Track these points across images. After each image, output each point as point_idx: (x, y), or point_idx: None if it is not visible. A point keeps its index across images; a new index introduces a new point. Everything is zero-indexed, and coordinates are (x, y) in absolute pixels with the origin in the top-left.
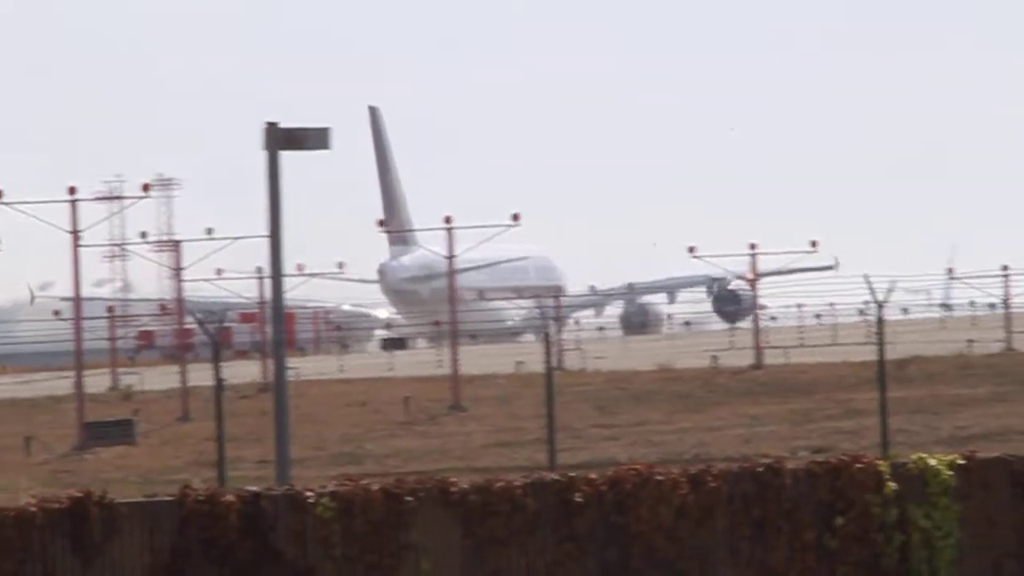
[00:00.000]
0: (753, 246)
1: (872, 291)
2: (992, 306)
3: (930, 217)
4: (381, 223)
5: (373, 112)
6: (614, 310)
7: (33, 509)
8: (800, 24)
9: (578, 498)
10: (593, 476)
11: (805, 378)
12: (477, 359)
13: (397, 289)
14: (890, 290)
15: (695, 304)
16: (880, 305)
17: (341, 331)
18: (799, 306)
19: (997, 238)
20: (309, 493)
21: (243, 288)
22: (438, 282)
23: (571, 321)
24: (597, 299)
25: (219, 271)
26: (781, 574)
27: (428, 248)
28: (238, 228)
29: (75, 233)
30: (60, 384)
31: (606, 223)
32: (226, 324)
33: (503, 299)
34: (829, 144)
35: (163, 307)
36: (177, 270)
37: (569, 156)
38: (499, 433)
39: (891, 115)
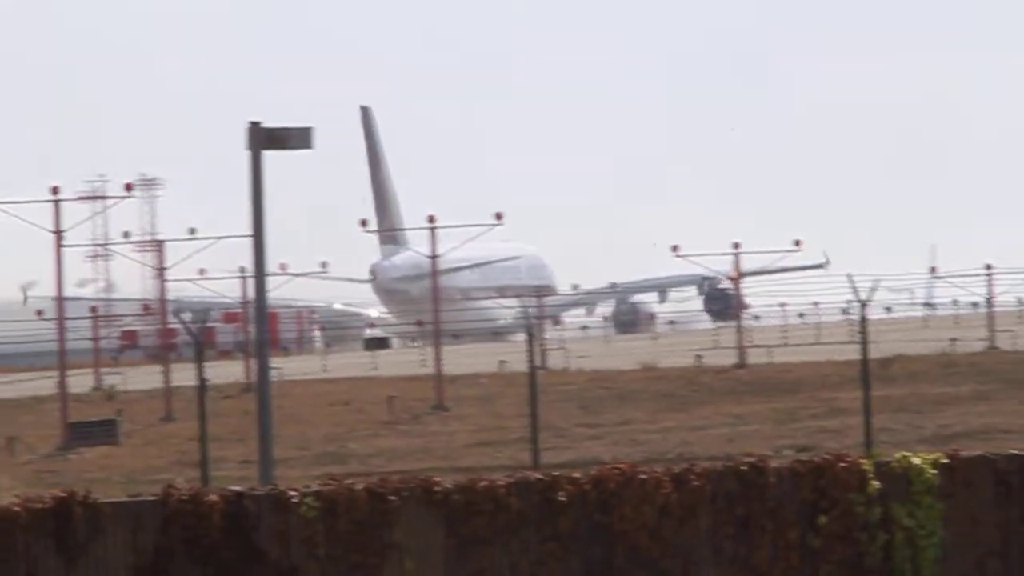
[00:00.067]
0: (736, 245)
1: (855, 290)
2: (975, 305)
3: (913, 216)
4: (363, 223)
5: (364, 112)
6: (604, 309)
7: (17, 509)
8: (791, 24)
9: (561, 497)
10: (576, 475)
11: (789, 377)
12: (462, 358)
13: (388, 289)
14: (873, 289)
15: (687, 304)
16: (863, 304)
17: (325, 330)
18: (782, 305)
19: (980, 237)
20: (293, 493)
21: (226, 288)
22: (429, 282)
23: (562, 320)
24: (588, 298)
25: (202, 271)
26: (764, 573)
27: (415, 249)
28: (223, 228)
29: (58, 233)
30: (43, 384)
31: (598, 223)
32: (209, 324)
33: (490, 298)
34: (812, 144)
35: (146, 307)
36: (160, 270)
37: (562, 155)
38: (482, 432)
39: (873, 115)
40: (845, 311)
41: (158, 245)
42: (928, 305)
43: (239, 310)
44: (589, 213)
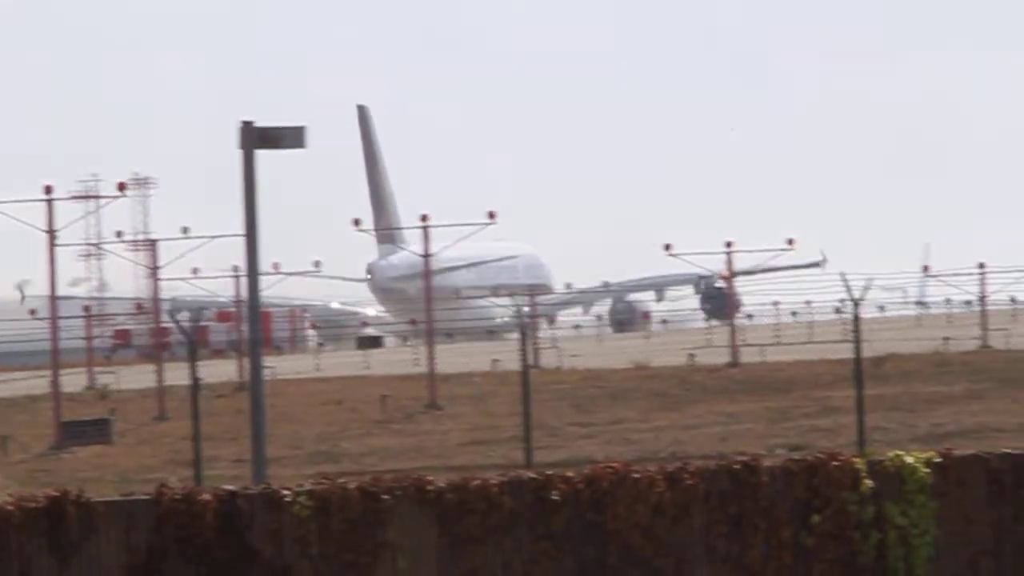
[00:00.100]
0: (729, 244)
1: (848, 289)
2: (968, 303)
3: (908, 215)
4: (356, 222)
5: (361, 111)
6: (600, 308)
7: (10, 508)
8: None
9: (555, 496)
10: (570, 474)
11: (782, 376)
12: (455, 357)
13: (385, 288)
14: (866, 288)
15: (684, 302)
16: (856, 303)
17: (321, 329)
18: (775, 304)
19: (975, 236)
20: (286, 492)
21: (219, 287)
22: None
23: (555, 319)
24: (585, 297)
25: (195, 270)
26: (758, 572)
27: (409, 249)
28: (218, 227)
29: (51, 232)
30: (37, 383)
31: (597, 222)
32: (202, 323)
33: (483, 297)
34: (809, 143)
35: (139, 306)
36: (153, 269)
37: (561, 156)
38: (475, 431)
39: (871, 115)
40: (838, 310)
41: (151, 244)
42: (921, 304)
43: (233, 309)
44: (588, 213)
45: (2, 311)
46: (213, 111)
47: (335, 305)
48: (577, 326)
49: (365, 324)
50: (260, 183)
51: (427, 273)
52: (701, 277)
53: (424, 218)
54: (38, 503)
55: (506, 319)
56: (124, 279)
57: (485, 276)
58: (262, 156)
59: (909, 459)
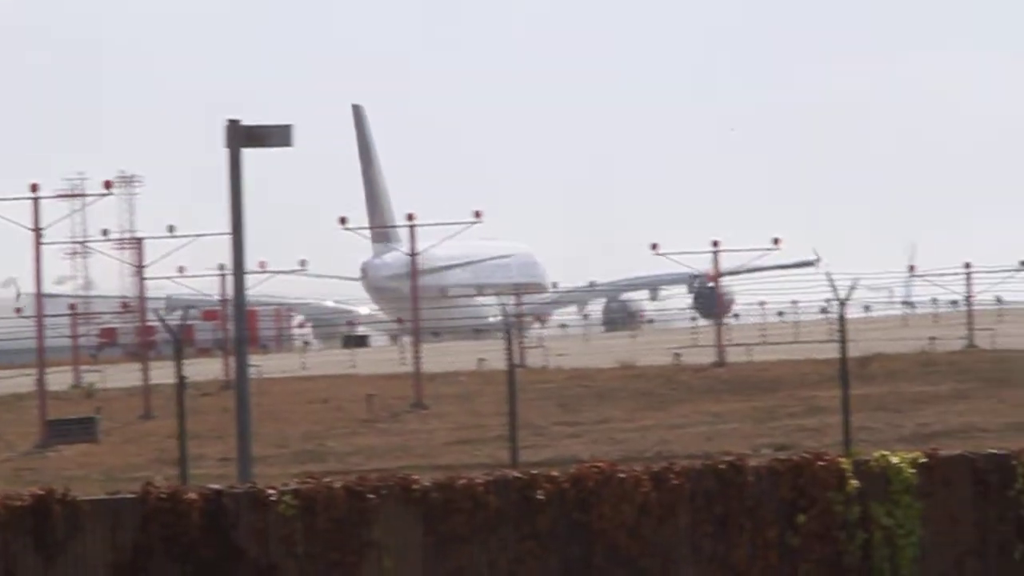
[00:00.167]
0: (715, 243)
1: (834, 289)
2: (954, 303)
3: (892, 214)
4: (342, 220)
5: (356, 110)
6: (593, 308)
7: None
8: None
9: (540, 496)
10: (555, 474)
11: (768, 375)
12: (442, 356)
13: (379, 287)
14: (852, 288)
15: (676, 302)
16: (842, 303)
17: (313, 327)
18: (761, 303)
19: (959, 235)
20: (271, 491)
21: (205, 285)
22: (420, 280)
23: (545, 318)
24: (578, 296)
25: (181, 268)
26: (743, 571)
27: (400, 249)
28: (207, 225)
29: (37, 231)
30: (22, 382)
31: (595, 223)
32: (188, 321)
33: (468, 296)
34: (804, 143)
35: (125, 304)
36: (139, 267)
37: (553, 156)
38: (461, 431)
39: (849, 114)
40: (824, 310)
41: (137, 243)
42: (907, 304)
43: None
44: (585, 213)
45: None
46: (200, 109)
47: (329, 304)
48: (563, 325)
49: (351, 323)
50: (252, 181)
51: (413, 272)
52: (694, 276)
53: (410, 217)
54: (24, 501)
55: (498, 318)
56: (110, 277)
57: (479, 275)
58: (256, 155)
59: (895, 459)
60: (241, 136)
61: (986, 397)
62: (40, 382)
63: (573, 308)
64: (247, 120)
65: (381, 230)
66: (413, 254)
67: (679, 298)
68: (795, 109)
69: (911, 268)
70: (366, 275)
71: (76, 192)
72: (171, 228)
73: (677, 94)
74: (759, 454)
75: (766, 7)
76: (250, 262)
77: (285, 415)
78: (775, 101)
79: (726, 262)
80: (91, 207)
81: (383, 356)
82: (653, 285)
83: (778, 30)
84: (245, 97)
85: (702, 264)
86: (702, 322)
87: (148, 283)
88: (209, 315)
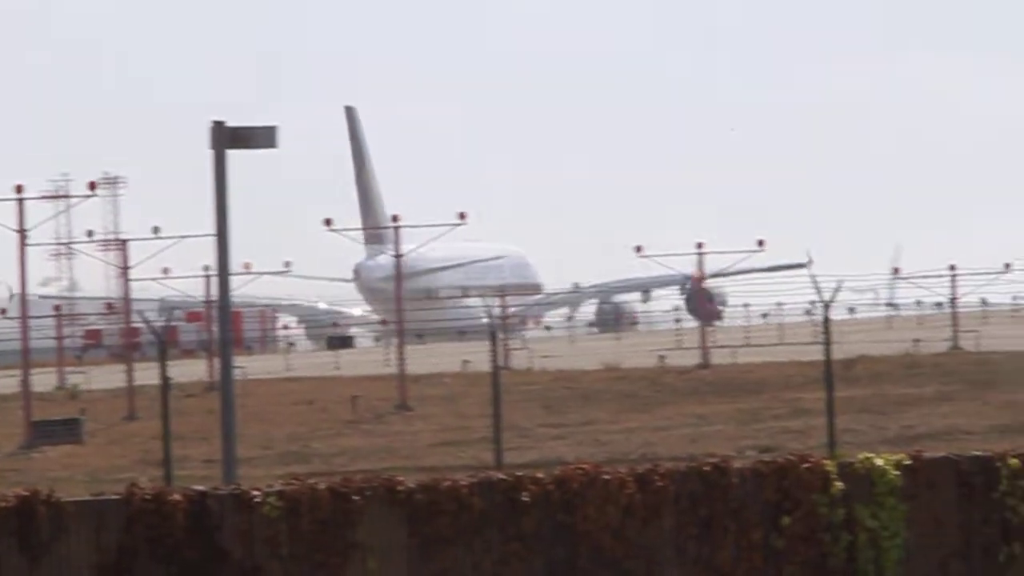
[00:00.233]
0: (700, 245)
1: (819, 290)
2: (939, 305)
3: (890, 215)
4: (327, 222)
5: (349, 112)
6: (584, 310)
7: None
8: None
9: (525, 497)
10: (540, 475)
11: (752, 377)
12: (426, 358)
13: (372, 288)
14: (836, 289)
15: (666, 303)
16: (827, 305)
17: (288, 328)
18: (746, 305)
19: (958, 236)
20: (256, 492)
21: (190, 287)
22: (412, 281)
23: (531, 321)
24: (571, 298)
25: (166, 270)
26: (728, 573)
27: (388, 252)
28: (196, 227)
29: (22, 232)
30: (6, 383)
31: (593, 223)
32: (172, 323)
33: (454, 298)
34: (790, 143)
35: (110, 306)
36: (124, 269)
37: (552, 156)
38: (446, 432)
39: (849, 114)
40: (808, 312)
41: (122, 244)
42: (891, 306)
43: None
44: (583, 214)
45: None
46: (187, 110)
47: (322, 306)
48: (548, 327)
49: (336, 324)
50: (244, 184)
51: (398, 273)
52: (687, 278)
53: (395, 218)
54: (8, 503)
55: (490, 319)
56: (95, 279)
57: (472, 276)
58: (250, 157)
59: (879, 461)
60: (226, 137)
61: (970, 399)
62: (25, 383)
63: (566, 310)
64: (235, 121)
65: (374, 231)
66: (398, 256)
67: (672, 300)
68: (795, 109)
69: (895, 270)
70: (359, 276)
71: (61, 193)
72: (156, 229)
73: (677, 94)
74: (743, 456)
75: (766, 7)
76: (236, 263)
77: (270, 416)
78: (775, 101)
79: (711, 264)
80: (76, 208)
81: (368, 358)
82: (645, 287)
83: (778, 30)
84: (233, 98)
85: (688, 266)
86: (692, 324)
87: (133, 284)
88: (193, 316)
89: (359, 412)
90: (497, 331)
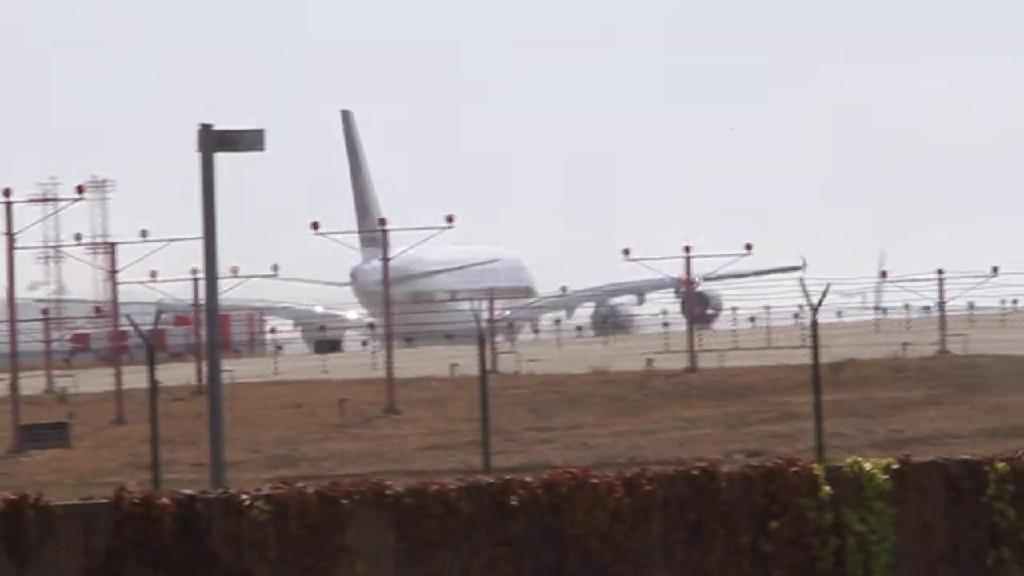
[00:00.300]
0: (687, 249)
1: (806, 294)
2: (927, 309)
3: (864, 220)
4: (315, 225)
5: (345, 115)
6: (580, 312)
7: None
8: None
9: (513, 501)
10: (528, 479)
11: (740, 381)
12: (414, 361)
13: (369, 291)
14: (824, 293)
15: (665, 306)
16: (814, 308)
17: (275, 332)
18: (734, 309)
19: (931, 241)
20: (244, 496)
21: (178, 290)
22: (408, 285)
23: (518, 325)
24: (566, 300)
25: (154, 273)
26: None
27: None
28: (186, 230)
29: (10, 235)
30: None
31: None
32: (160, 326)
33: (442, 302)
34: (789, 143)
35: (98, 309)
36: (112, 272)
37: (550, 156)
38: (434, 436)
39: (849, 115)
40: (796, 316)
41: (110, 247)
42: (879, 309)
43: (227, 312)
44: (580, 215)
45: None
46: (176, 113)
47: (319, 309)
48: (535, 330)
49: (323, 328)
50: (238, 187)
51: (385, 276)
52: (676, 281)
53: (383, 222)
54: None
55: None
56: (83, 282)
57: (467, 280)
58: (253, 158)
59: (867, 465)
60: (213, 140)
61: (958, 403)
62: (13, 387)
63: (562, 314)
64: (223, 125)
65: (370, 235)
66: (386, 259)
67: (667, 304)
68: (795, 109)
69: (883, 274)
70: (356, 279)
71: (49, 196)
72: (144, 232)
73: (677, 94)
74: (731, 460)
75: (766, 7)
76: (227, 266)
77: (258, 420)
78: (775, 101)
79: (700, 268)
80: (64, 211)
81: (356, 361)
82: (640, 290)
83: (778, 30)
84: (221, 100)
85: (675, 269)
86: (683, 327)
87: (121, 288)
88: (181, 320)
89: (347, 416)
90: (485, 335)
